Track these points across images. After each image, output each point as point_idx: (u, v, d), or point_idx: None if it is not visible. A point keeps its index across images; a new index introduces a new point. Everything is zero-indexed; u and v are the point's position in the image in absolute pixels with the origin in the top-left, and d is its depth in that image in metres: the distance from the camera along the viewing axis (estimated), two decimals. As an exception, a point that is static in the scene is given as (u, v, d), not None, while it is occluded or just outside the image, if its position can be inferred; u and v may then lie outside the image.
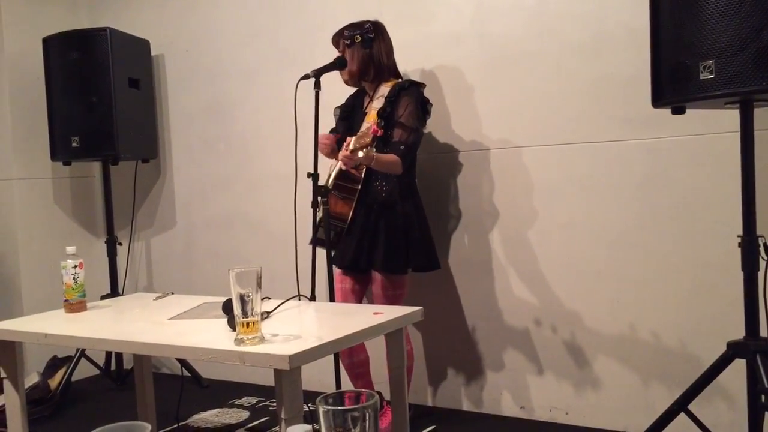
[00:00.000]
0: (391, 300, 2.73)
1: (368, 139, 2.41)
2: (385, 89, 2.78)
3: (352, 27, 2.80)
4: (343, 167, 2.65)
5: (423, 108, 2.78)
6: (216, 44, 3.76)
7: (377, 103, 2.78)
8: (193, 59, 3.85)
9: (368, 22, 2.80)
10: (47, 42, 3.65)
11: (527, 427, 2.90)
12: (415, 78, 3.05)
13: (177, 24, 3.90)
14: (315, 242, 2.70)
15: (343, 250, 2.79)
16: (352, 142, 2.45)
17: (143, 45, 3.86)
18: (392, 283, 2.76)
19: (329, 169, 2.91)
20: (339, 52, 2.81)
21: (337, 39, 2.82)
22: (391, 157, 2.64)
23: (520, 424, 2.94)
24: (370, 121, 2.74)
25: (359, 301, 2.88)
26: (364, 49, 2.77)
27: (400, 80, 2.82)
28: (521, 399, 2.99)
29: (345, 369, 2.82)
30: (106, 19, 3.98)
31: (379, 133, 2.41)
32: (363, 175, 2.74)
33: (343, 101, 3.01)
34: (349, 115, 2.95)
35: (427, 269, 2.84)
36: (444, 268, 3.06)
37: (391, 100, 2.74)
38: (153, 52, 3.92)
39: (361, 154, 2.43)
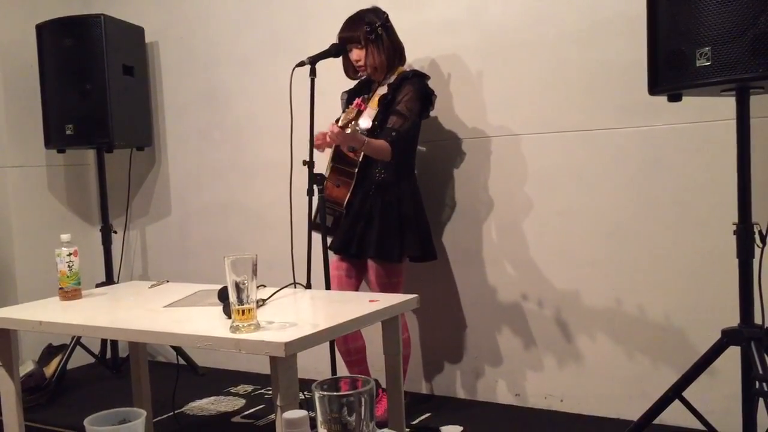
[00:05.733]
0: (387, 288, 2.73)
1: (352, 115, 2.39)
2: (391, 77, 2.78)
3: (366, 21, 2.72)
4: (334, 140, 2.57)
5: (424, 99, 2.77)
6: (211, 31, 3.74)
7: (381, 90, 2.77)
8: (188, 46, 3.83)
9: (378, 9, 2.77)
10: (40, 29, 3.62)
11: (522, 415, 2.91)
12: (409, 65, 3.03)
13: (171, 11, 3.87)
14: (310, 228, 2.69)
15: (336, 234, 2.78)
16: (341, 118, 2.45)
17: (137, 32, 3.83)
18: (387, 271, 2.76)
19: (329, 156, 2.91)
20: (355, 48, 2.74)
21: (354, 34, 2.72)
22: (381, 142, 2.63)
23: (515, 411, 2.95)
24: (373, 107, 2.73)
25: (356, 288, 2.87)
26: (389, 39, 2.75)
27: (406, 70, 2.81)
28: (516, 386, 3.00)
29: (341, 356, 2.83)
30: (100, 5, 3.95)
31: (363, 107, 2.39)
32: (360, 159, 2.72)
33: (340, 87, 2.98)
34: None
35: (422, 259, 2.84)
36: (440, 256, 3.06)
37: (394, 87, 2.73)
38: (147, 39, 3.89)
39: (348, 130, 2.42)
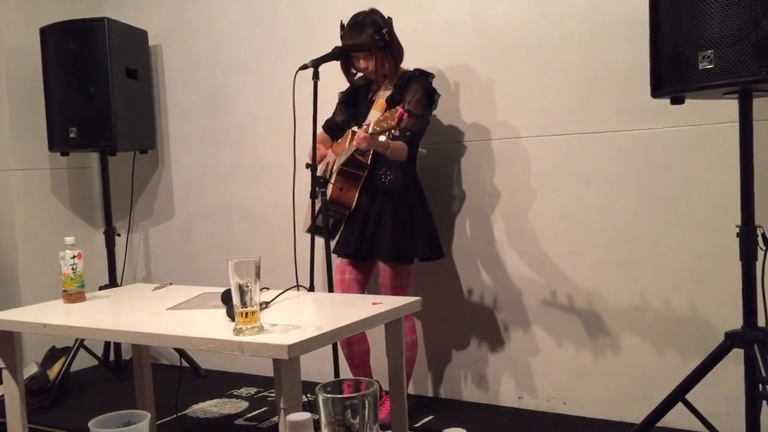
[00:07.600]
0: (398, 290, 2.73)
1: (393, 122, 2.35)
2: (395, 78, 2.77)
3: (373, 29, 2.66)
4: (360, 145, 2.53)
5: (430, 97, 2.75)
6: (214, 34, 3.75)
7: (385, 91, 2.77)
8: (191, 50, 3.84)
9: (380, 13, 2.73)
10: (44, 32, 3.63)
11: (526, 417, 2.91)
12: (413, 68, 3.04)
13: (175, 14, 3.88)
14: (313, 230, 2.69)
15: (345, 239, 2.78)
16: (371, 125, 2.42)
17: (141, 35, 3.84)
18: (399, 273, 2.76)
19: (326, 160, 2.91)
20: (362, 56, 2.70)
21: (361, 42, 2.66)
22: (401, 144, 2.62)
23: (519, 414, 2.95)
24: (378, 108, 2.72)
25: (361, 292, 2.87)
26: (394, 44, 2.74)
27: (408, 69, 2.79)
28: (520, 389, 3.00)
29: (345, 358, 2.83)
30: (104, 9, 3.96)
31: (405, 115, 2.37)
32: (369, 162, 2.72)
33: (342, 89, 2.98)
34: (353, 102, 2.91)
35: (432, 259, 2.83)
36: (446, 257, 3.06)
37: (401, 87, 2.72)
38: (151, 43, 3.90)
39: (382, 138, 2.39)
